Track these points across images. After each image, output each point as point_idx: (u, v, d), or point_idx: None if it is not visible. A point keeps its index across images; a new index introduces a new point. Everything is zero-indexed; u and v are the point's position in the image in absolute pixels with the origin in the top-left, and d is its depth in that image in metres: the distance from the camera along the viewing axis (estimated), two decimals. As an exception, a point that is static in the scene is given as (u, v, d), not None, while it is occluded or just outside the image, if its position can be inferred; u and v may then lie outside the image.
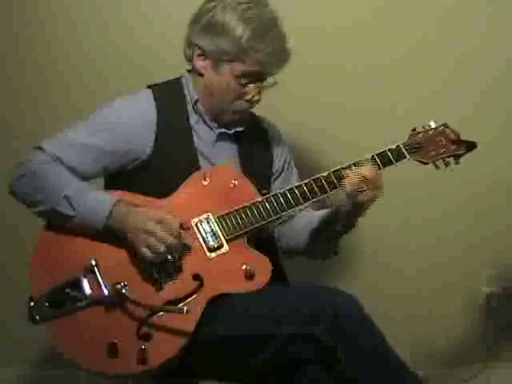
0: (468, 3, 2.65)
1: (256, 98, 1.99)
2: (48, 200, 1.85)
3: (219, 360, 1.85)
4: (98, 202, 1.85)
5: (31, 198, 1.88)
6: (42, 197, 1.86)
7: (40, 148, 1.90)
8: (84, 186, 1.88)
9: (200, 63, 1.99)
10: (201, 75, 2.00)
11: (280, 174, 2.16)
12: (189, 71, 2.06)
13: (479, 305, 2.72)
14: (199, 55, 1.98)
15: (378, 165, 1.94)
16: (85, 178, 1.92)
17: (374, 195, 1.89)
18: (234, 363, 1.84)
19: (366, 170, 1.90)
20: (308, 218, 2.11)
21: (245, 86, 1.96)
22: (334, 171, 1.93)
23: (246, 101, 1.99)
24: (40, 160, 1.88)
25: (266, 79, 1.99)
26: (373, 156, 1.95)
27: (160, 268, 1.84)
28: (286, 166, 2.18)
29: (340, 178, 1.92)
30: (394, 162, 1.96)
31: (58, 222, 1.87)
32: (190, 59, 2.02)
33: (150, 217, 1.82)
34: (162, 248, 1.80)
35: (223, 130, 2.04)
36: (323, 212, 2.09)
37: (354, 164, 1.93)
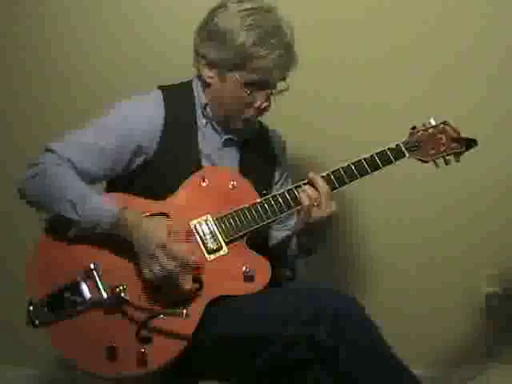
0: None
1: (265, 105, 1.98)
2: (53, 204, 1.84)
3: (219, 361, 1.85)
4: (102, 209, 1.83)
5: (39, 201, 1.87)
6: (47, 200, 1.85)
7: (51, 150, 1.89)
8: (89, 192, 1.86)
9: (207, 73, 1.98)
10: (208, 85, 1.99)
11: (276, 184, 2.15)
12: (198, 76, 2.04)
13: (479, 305, 2.71)
14: (205, 65, 1.97)
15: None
16: (95, 179, 1.93)
17: (327, 213, 1.90)
18: (234, 364, 1.84)
19: (320, 183, 1.90)
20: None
21: (252, 93, 1.95)
22: (333, 171, 1.94)
23: (255, 108, 1.98)
24: (51, 162, 1.87)
25: (274, 86, 1.97)
26: (372, 155, 1.95)
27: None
28: (283, 178, 2.17)
29: (338, 181, 1.93)
30: (393, 160, 1.96)
31: (64, 227, 1.85)
32: (197, 69, 2.01)
33: (154, 240, 1.79)
34: (163, 274, 1.78)
35: (230, 136, 2.04)
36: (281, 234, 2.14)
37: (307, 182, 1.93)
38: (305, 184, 1.93)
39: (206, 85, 2.00)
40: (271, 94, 1.97)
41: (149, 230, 1.80)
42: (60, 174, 1.86)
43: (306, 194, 1.91)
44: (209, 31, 1.95)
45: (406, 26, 2.61)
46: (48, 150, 1.90)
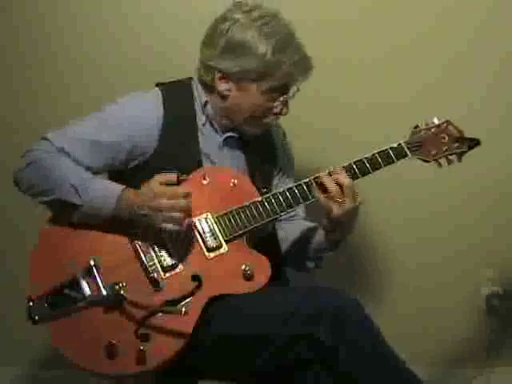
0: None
1: (285, 110, 1.99)
2: (54, 189, 1.85)
3: (219, 360, 1.85)
4: (105, 189, 1.86)
5: (36, 187, 1.88)
6: (47, 186, 1.86)
7: (46, 139, 1.90)
8: (89, 175, 1.89)
9: (223, 86, 1.97)
10: (224, 97, 1.98)
11: (279, 180, 2.16)
12: (200, 82, 2.03)
13: (479, 305, 2.72)
14: (221, 78, 1.96)
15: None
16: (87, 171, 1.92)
17: (351, 207, 1.87)
18: (234, 363, 1.84)
19: (343, 177, 1.89)
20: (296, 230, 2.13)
21: (272, 100, 1.96)
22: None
23: (274, 114, 1.99)
24: (45, 150, 1.88)
25: (290, 89, 1.98)
26: (374, 154, 1.94)
27: (161, 263, 1.85)
28: (284, 170, 2.17)
29: None
30: (395, 160, 1.95)
31: (65, 212, 1.87)
32: (208, 82, 2.00)
33: (152, 193, 1.81)
34: (178, 214, 1.81)
35: (230, 133, 2.04)
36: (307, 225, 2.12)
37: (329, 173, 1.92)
38: (305, 182, 1.92)
39: (221, 97, 1.98)
40: (289, 98, 1.99)
41: (143, 194, 1.83)
42: (56, 161, 1.87)
43: (322, 189, 1.89)
44: (225, 45, 1.93)
45: (406, 25, 2.62)
46: (43, 138, 1.91)
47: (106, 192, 1.86)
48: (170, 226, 1.82)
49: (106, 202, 1.84)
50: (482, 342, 2.71)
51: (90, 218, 1.86)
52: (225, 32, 1.93)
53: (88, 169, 1.91)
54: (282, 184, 2.11)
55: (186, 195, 1.84)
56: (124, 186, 1.86)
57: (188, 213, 1.84)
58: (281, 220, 2.12)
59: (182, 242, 1.87)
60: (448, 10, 2.62)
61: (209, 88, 2.01)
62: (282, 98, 1.97)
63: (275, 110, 1.98)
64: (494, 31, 2.63)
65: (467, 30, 2.62)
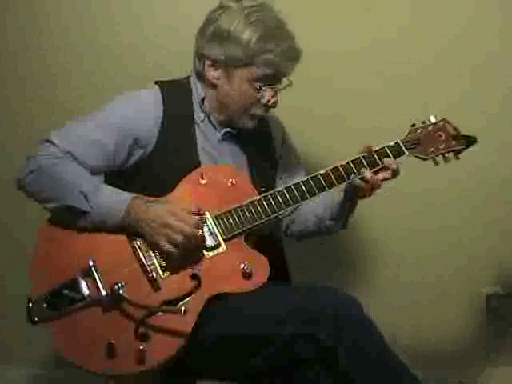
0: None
1: (273, 100, 1.99)
2: (63, 196, 1.85)
3: (219, 360, 1.85)
4: (115, 197, 1.86)
5: (44, 194, 1.88)
6: (56, 193, 1.86)
7: (50, 141, 1.90)
8: (98, 182, 1.89)
9: (212, 74, 1.99)
10: (214, 86, 2.00)
11: (283, 173, 2.17)
12: (197, 76, 2.04)
13: (480, 306, 2.72)
14: (210, 66, 1.98)
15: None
16: (93, 173, 1.92)
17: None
18: (233, 363, 1.84)
19: (394, 164, 1.94)
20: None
21: (260, 90, 1.96)
22: (332, 169, 1.95)
23: (263, 105, 1.99)
24: (51, 155, 1.87)
25: (280, 81, 1.99)
26: (371, 153, 1.96)
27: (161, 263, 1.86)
28: (288, 166, 2.18)
29: (340, 177, 1.94)
30: (392, 158, 1.96)
31: (73, 218, 1.86)
32: (200, 71, 2.01)
33: (164, 210, 1.83)
34: (180, 238, 1.81)
35: (228, 129, 2.04)
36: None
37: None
38: (303, 182, 1.94)
39: (211, 86, 2.01)
40: (278, 89, 1.99)
41: (157, 208, 1.84)
42: (64, 167, 1.87)
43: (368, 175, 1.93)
44: (212, 32, 1.96)
45: (408, 19, 2.61)
46: (48, 141, 1.90)
47: (115, 198, 1.86)
48: (168, 246, 1.82)
49: (115, 208, 1.84)
50: (481, 342, 2.71)
51: (97, 225, 1.86)
52: (214, 19, 1.97)
53: (92, 170, 1.91)
54: (287, 179, 2.12)
55: (197, 225, 1.84)
56: (134, 194, 1.87)
57: (190, 241, 1.83)
58: (281, 219, 2.14)
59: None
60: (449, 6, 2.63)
61: (203, 80, 2.02)
62: (270, 89, 1.97)
63: (263, 101, 1.98)
64: (492, 29, 2.63)
65: (467, 26, 2.63)
